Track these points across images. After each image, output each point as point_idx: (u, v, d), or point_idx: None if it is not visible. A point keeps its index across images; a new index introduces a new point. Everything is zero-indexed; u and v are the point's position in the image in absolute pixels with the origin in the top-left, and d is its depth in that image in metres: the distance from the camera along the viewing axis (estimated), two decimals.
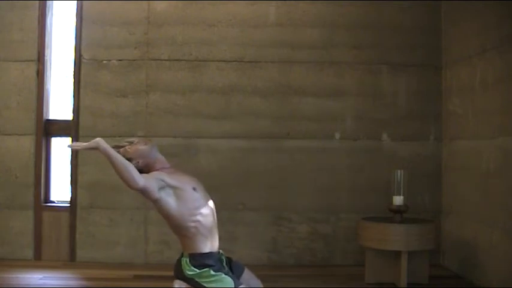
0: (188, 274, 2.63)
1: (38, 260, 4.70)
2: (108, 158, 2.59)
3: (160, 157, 2.85)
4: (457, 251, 4.52)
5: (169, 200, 2.66)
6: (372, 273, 4.17)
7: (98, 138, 2.63)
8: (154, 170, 2.77)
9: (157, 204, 2.68)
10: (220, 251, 2.80)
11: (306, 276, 4.42)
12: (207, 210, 2.73)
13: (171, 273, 2.80)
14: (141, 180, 2.58)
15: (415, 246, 3.96)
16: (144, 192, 2.61)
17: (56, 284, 4.05)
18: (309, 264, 4.76)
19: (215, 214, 2.81)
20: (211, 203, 2.81)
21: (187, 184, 2.72)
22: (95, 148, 2.61)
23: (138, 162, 2.76)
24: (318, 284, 4.18)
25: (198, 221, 2.66)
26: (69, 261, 4.71)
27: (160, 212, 2.72)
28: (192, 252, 2.66)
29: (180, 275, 2.68)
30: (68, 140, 4.83)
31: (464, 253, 4.37)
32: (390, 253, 4.06)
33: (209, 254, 2.67)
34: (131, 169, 2.58)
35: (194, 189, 2.73)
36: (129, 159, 2.73)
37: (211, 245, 2.70)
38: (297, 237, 4.79)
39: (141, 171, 2.75)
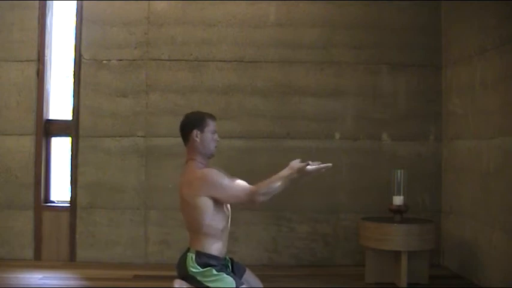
0: (191, 271, 2.63)
1: (38, 260, 4.71)
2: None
3: (206, 159, 2.80)
4: (457, 251, 4.52)
5: (209, 205, 2.62)
6: (372, 273, 4.18)
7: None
8: (193, 156, 2.73)
9: (194, 205, 2.65)
10: (227, 257, 2.79)
11: (306, 276, 4.42)
12: (224, 215, 2.72)
13: (171, 273, 2.80)
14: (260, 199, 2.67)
15: (415, 246, 3.96)
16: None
17: (56, 284, 4.05)
18: (309, 264, 4.76)
19: (230, 220, 2.80)
20: (229, 207, 2.80)
21: None
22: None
23: (197, 138, 2.71)
24: (318, 284, 4.18)
25: (214, 220, 2.65)
26: (69, 261, 4.71)
27: (186, 209, 2.68)
28: (199, 250, 2.66)
29: (183, 271, 2.67)
30: (67, 140, 4.83)
31: (464, 253, 4.37)
32: (390, 253, 4.07)
33: (215, 257, 2.66)
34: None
35: None
36: (202, 130, 2.73)
37: (219, 248, 2.69)
38: (297, 237, 4.79)
39: (186, 139, 2.74)
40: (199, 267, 2.62)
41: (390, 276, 4.13)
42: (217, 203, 2.65)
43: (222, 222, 2.69)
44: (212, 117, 2.81)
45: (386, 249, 4.02)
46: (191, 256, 2.65)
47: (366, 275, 4.19)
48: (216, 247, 2.68)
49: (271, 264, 4.73)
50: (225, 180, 2.64)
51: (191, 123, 2.75)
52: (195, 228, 2.67)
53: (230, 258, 2.82)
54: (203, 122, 2.76)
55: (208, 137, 2.75)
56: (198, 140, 2.73)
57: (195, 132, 2.73)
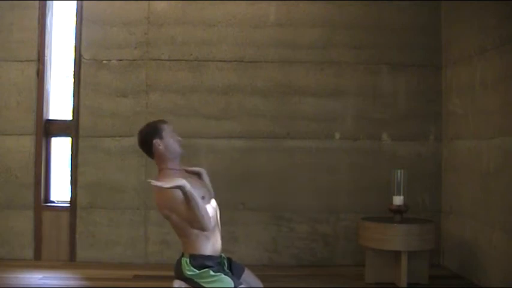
0: (188, 274, 2.63)
1: (38, 260, 4.71)
2: (190, 201, 2.53)
3: (177, 161, 2.79)
4: (457, 251, 4.52)
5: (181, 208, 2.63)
6: (372, 273, 4.18)
7: (185, 181, 2.53)
8: (164, 165, 2.73)
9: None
10: (222, 254, 2.79)
11: (306, 276, 4.42)
12: (211, 213, 2.71)
13: (171, 273, 2.80)
14: (210, 226, 2.59)
15: (415, 246, 3.96)
16: None
17: (56, 284, 4.05)
18: (309, 264, 4.76)
19: (218, 217, 2.80)
20: (215, 205, 2.80)
21: (198, 192, 2.70)
22: (178, 188, 2.53)
23: (160, 145, 2.70)
24: (318, 284, 4.18)
25: None
26: (69, 261, 4.71)
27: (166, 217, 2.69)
28: (192, 253, 2.66)
29: (180, 275, 2.67)
30: (67, 140, 4.84)
31: (464, 253, 4.37)
32: (390, 253, 4.07)
33: (210, 257, 2.66)
34: (206, 216, 2.57)
35: (203, 198, 2.71)
36: (161, 136, 2.69)
37: (212, 247, 2.69)
38: (297, 237, 4.79)
39: (151, 153, 2.73)
40: (195, 270, 2.62)
41: (390, 276, 4.13)
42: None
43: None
44: (163, 121, 2.80)
45: (386, 249, 4.02)
46: (186, 260, 2.65)
47: (366, 275, 4.19)
48: (209, 247, 2.67)
49: (271, 264, 4.73)
50: (182, 205, 2.57)
51: (149, 136, 2.72)
52: (182, 232, 2.68)
53: (228, 258, 2.82)
54: (158, 129, 2.74)
55: (169, 140, 2.73)
56: (161, 147, 2.71)
57: (156, 141, 2.70)
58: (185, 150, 2.80)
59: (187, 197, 2.53)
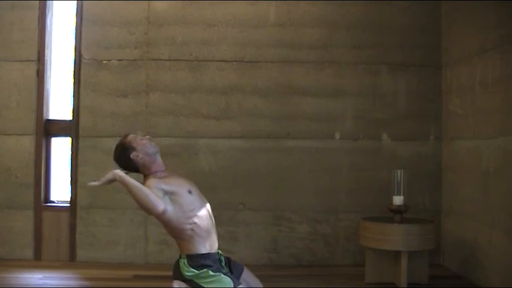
0: (187, 275, 2.64)
1: (38, 260, 4.70)
2: (127, 187, 2.60)
3: (159, 160, 2.86)
4: (457, 251, 4.52)
5: (167, 207, 2.65)
6: (372, 273, 4.18)
7: (115, 170, 2.66)
8: (149, 170, 2.78)
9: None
10: (219, 251, 2.80)
11: (306, 276, 4.42)
12: (203, 212, 2.73)
13: (171, 273, 2.80)
14: (161, 204, 2.58)
15: (415, 246, 3.96)
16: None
17: (56, 284, 4.05)
18: (309, 264, 4.76)
19: (212, 215, 2.81)
20: (207, 204, 2.81)
21: (182, 187, 2.73)
22: (114, 180, 2.64)
23: (138, 155, 2.76)
24: (318, 284, 4.17)
25: (194, 223, 2.67)
26: (69, 261, 4.71)
27: (157, 217, 2.72)
28: (189, 254, 2.67)
29: (179, 277, 2.68)
30: (67, 140, 4.84)
31: (464, 253, 4.37)
32: (390, 253, 4.07)
33: (207, 255, 2.67)
34: (151, 196, 2.58)
35: (189, 192, 2.73)
36: (134, 148, 2.76)
37: (209, 246, 2.71)
38: (297, 237, 4.79)
39: (136, 167, 2.80)
40: (194, 270, 2.63)
41: (390, 276, 4.13)
42: (173, 202, 2.67)
43: (202, 220, 2.70)
44: (128, 135, 2.87)
45: (386, 249, 4.02)
46: (183, 261, 2.66)
47: (366, 275, 4.19)
48: (205, 245, 2.69)
49: (271, 264, 4.73)
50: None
51: (124, 155, 2.80)
52: (177, 234, 2.70)
53: (228, 257, 2.83)
54: (127, 144, 2.81)
55: (141, 148, 2.80)
56: (140, 156, 2.79)
57: (133, 155, 2.78)
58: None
59: (124, 184, 2.58)
